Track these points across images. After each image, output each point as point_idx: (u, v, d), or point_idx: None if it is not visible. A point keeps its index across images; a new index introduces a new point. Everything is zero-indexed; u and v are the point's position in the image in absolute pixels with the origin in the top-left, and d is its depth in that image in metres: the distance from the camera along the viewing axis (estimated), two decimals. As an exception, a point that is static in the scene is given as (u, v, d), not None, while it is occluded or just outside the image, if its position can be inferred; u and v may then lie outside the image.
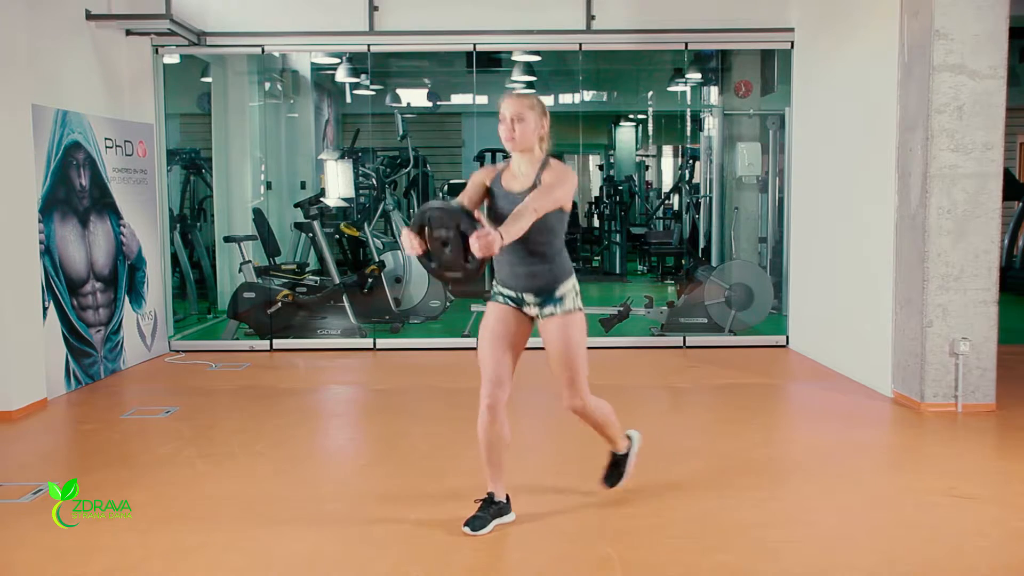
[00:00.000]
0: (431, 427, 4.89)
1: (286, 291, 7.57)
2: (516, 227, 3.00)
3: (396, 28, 7.13)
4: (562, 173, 3.21)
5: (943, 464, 4.23)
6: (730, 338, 7.38)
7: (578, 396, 3.35)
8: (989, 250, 4.99)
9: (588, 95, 11.45)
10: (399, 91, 11.05)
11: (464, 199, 3.26)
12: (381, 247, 8.48)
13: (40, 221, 5.42)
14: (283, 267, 7.99)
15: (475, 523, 3.28)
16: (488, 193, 3.32)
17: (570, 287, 3.30)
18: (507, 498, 3.40)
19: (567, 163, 12.77)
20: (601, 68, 10.74)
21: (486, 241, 2.86)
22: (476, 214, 3.03)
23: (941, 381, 5.04)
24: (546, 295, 3.27)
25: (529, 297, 3.30)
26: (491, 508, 3.33)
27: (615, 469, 3.68)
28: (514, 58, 9.22)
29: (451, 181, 10.96)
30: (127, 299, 6.51)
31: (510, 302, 3.35)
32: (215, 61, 8.84)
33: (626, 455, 3.67)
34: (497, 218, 3.25)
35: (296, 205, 8.79)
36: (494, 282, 3.43)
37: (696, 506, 3.60)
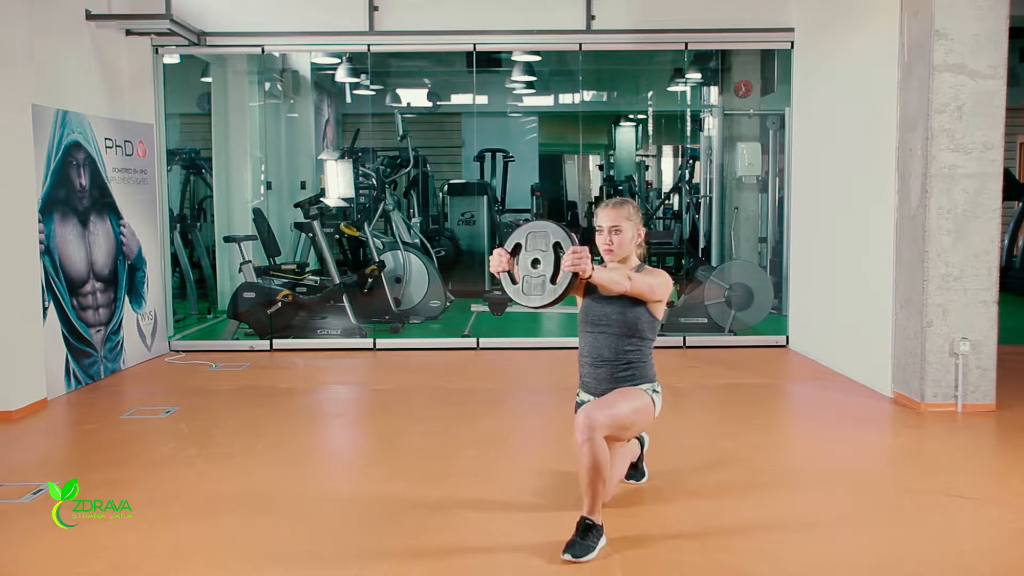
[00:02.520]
0: (431, 427, 4.89)
1: (286, 291, 7.57)
2: (608, 275, 3.05)
3: (396, 28, 7.13)
4: (660, 278, 3.26)
5: (943, 464, 4.23)
6: (730, 338, 7.38)
7: (591, 428, 3.06)
8: (989, 250, 4.99)
9: (588, 95, 11.45)
10: (399, 91, 11.05)
11: None
12: (381, 247, 8.47)
13: (40, 221, 5.42)
14: (283, 267, 7.99)
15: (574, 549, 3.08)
16: (585, 290, 3.32)
17: (647, 387, 3.33)
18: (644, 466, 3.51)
19: (567, 163, 12.74)
20: (601, 68, 10.74)
21: (579, 257, 2.85)
22: (574, 236, 2.98)
23: (941, 381, 5.04)
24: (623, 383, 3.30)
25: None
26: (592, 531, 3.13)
27: (582, 540, 3.10)
28: (514, 58, 9.22)
29: (451, 181, 10.97)
30: (127, 299, 6.51)
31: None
32: (215, 61, 8.84)
33: (597, 527, 3.15)
34: (589, 320, 3.28)
35: (296, 205, 8.79)
36: (577, 393, 3.44)
37: (696, 506, 3.60)
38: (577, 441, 3.11)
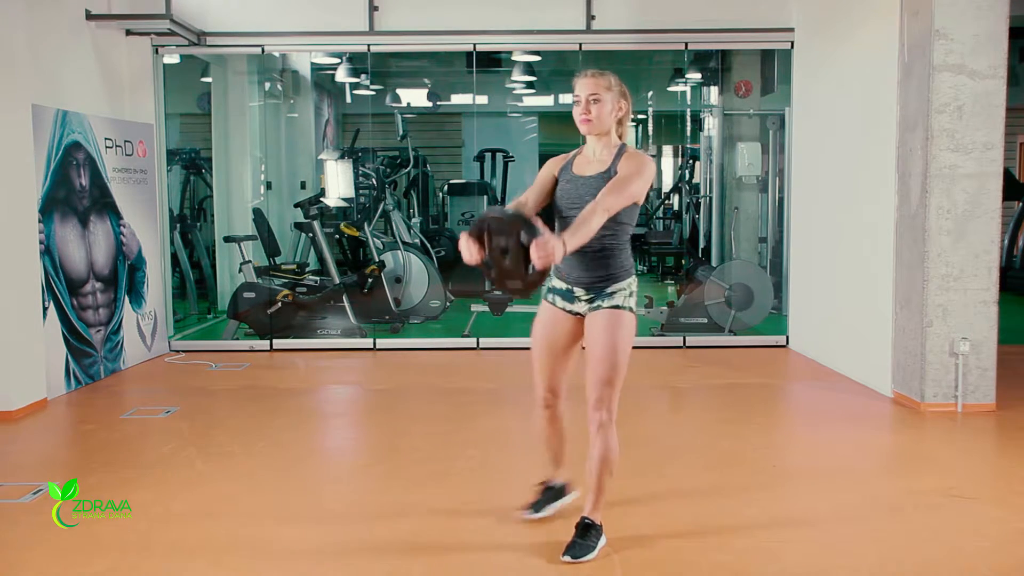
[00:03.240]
0: (431, 427, 4.89)
1: (286, 291, 7.57)
2: (582, 232, 2.79)
3: (396, 28, 7.13)
4: (641, 164, 2.97)
5: (943, 464, 4.23)
6: (730, 338, 7.38)
7: (606, 407, 3.02)
8: (989, 250, 4.99)
9: (588, 95, 11.42)
10: (399, 91, 11.04)
11: (530, 194, 3.10)
12: (381, 247, 8.47)
13: (40, 221, 5.42)
14: (283, 267, 7.99)
15: (536, 506, 3.39)
16: (555, 183, 3.11)
17: (624, 287, 3.05)
18: (566, 483, 3.47)
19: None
20: (601, 68, 10.72)
21: (546, 250, 2.64)
22: (536, 221, 2.79)
23: (941, 381, 5.04)
24: (598, 291, 3.04)
25: (580, 291, 3.07)
26: (548, 492, 3.42)
27: (582, 540, 3.10)
28: (514, 58, 9.22)
29: (451, 181, 10.96)
30: (127, 299, 6.51)
31: (559, 300, 3.14)
32: (215, 61, 8.84)
33: (597, 527, 3.15)
34: (561, 207, 3.05)
35: (296, 205, 8.79)
36: (550, 274, 3.20)
37: (696, 506, 3.60)
38: (590, 431, 3.06)
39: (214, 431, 4.83)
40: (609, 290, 3.05)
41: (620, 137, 3.11)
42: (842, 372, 6.11)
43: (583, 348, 3.17)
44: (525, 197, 3.11)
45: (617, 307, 3.03)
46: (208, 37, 7.11)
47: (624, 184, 2.92)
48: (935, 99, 4.93)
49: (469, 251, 2.83)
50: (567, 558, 3.03)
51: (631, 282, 3.08)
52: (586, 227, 2.81)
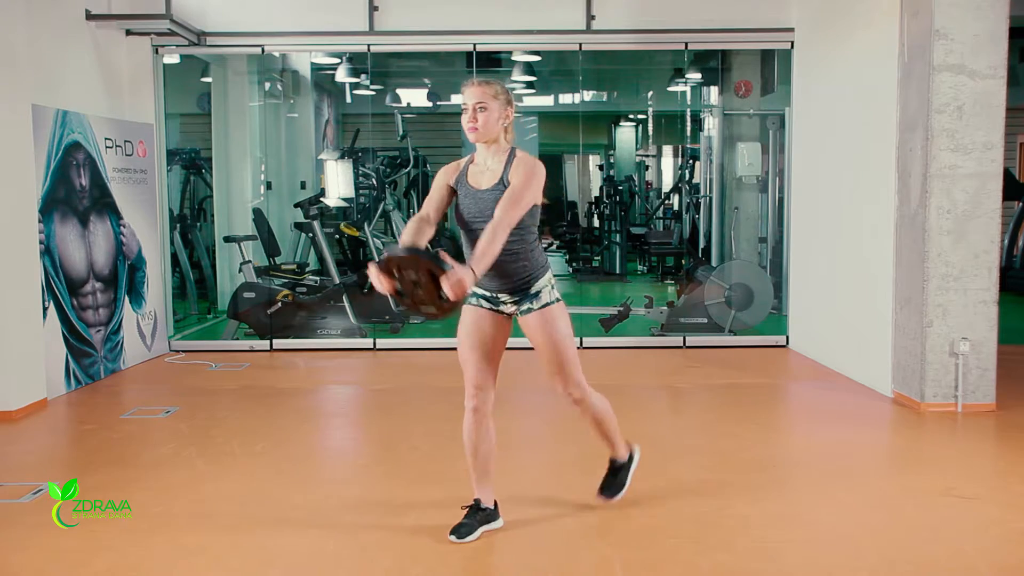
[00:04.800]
0: (431, 427, 4.89)
1: (286, 291, 7.57)
2: (489, 254, 2.90)
3: (396, 28, 7.13)
4: (530, 170, 3.05)
5: (943, 464, 4.23)
6: (730, 338, 7.38)
7: (573, 385, 3.24)
8: (989, 250, 4.99)
9: (588, 95, 11.45)
10: (399, 91, 11.05)
11: (429, 207, 3.16)
12: (381, 247, 8.47)
13: (40, 221, 5.42)
14: (283, 267, 7.99)
15: (461, 530, 3.22)
16: (453, 193, 3.18)
17: (545, 281, 3.17)
18: (495, 504, 3.34)
19: (567, 163, 12.72)
20: (601, 68, 10.74)
21: (457, 283, 2.74)
22: (441, 254, 2.83)
23: (941, 381, 5.04)
24: (522, 293, 3.16)
25: (504, 297, 3.18)
26: (478, 515, 3.27)
27: (613, 479, 3.55)
28: (514, 58, 9.22)
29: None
30: (127, 299, 6.51)
31: (484, 303, 3.24)
32: (215, 61, 8.84)
33: (625, 464, 3.55)
34: (465, 220, 3.12)
35: (296, 205, 8.79)
36: None
37: (696, 506, 3.60)
38: (575, 410, 3.34)
39: (214, 431, 4.83)
40: (532, 290, 3.17)
41: (509, 143, 3.17)
42: (842, 372, 6.11)
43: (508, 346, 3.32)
44: (426, 212, 3.19)
45: (546, 305, 3.17)
46: (208, 37, 7.11)
47: (518, 196, 3.01)
48: (935, 99, 4.93)
49: (380, 283, 2.90)
50: (602, 498, 3.51)
51: (548, 275, 3.21)
52: (491, 249, 2.92)
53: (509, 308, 3.22)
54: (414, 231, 3.07)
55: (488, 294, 3.22)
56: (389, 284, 2.90)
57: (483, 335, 3.22)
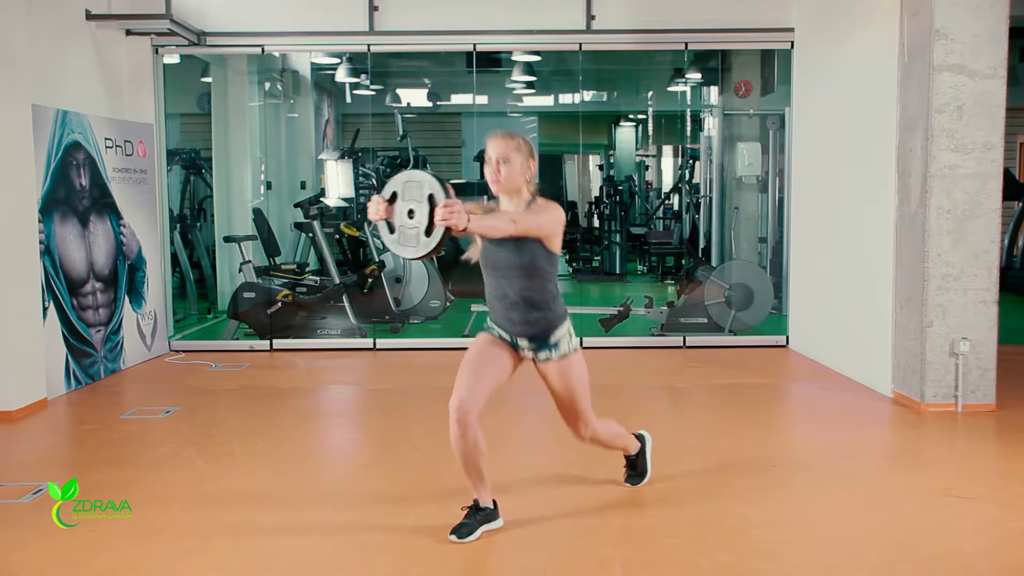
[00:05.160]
0: (431, 427, 4.88)
1: (286, 291, 7.57)
2: (488, 222, 2.96)
3: (396, 28, 7.13)
4: (548, 205, 3.18)
5: (943, 464, 4.23)
6: (730, 338, 7.38)
7: (586, 428, 3.43)
8: (989, 250, 4.99)
9: (588, 95, 11.45)
10: (399, 91, 11.05)
11: None
12: (381, 247, 8.47)
13: (40, 221, 5.42)
14: (283, 267, 7.99)
15: (462, 530, 3.24)
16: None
17: (564, 332, 3.29)
18: (494, 504, 3.35)
19: (567, 163, 12.73)
20: (601, 68, 10.75)
21: (451, 211, 2.77)
22: (450, 188, 2.90)
23: (941, 381, 5.04)
24: (540, 341, 3.28)
25: (524, 342, 3.30)
26: (478, 515, 3.29)
27: (634, 469, 3.79)
28: (514, 58, 9.23)
29: (451, 181, 10.96)
30: (127, 299, 6.51)
31: (503, 333, 3.34)
32: (215, 61, 8.84)
33: (639, 453, 3.77)
34: (488, 265, 3.24)
35: (296, 205, 8.80)
36: (489, 320, 3.41)
37: (696, 506, 3.60)
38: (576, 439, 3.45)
39: (214, 431, 4.83)
40: (552, 340, 3.28)
41: (531, 194, 3.25)
42: (842, 372, 6.11)
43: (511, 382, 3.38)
44: None
45: (564, 355, 3.30)
46: (208, 37, 7.12)
47: (534, 213, 3.13)
48: (935, 99, 4.93)
49: (376, 208, 2.95)
50: (628, 484, 3.76)
51: (567, 325, 3.31)
52: (491, 222, 2.98)
53: (527, 354, 3.33)
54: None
55: (508, 337, 3.32)
56: (385, 211, 2.95)
57: (491, 360, 3.28)
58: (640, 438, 3.80)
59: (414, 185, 2.91)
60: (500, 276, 3.22)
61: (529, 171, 3.21)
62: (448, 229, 2.84)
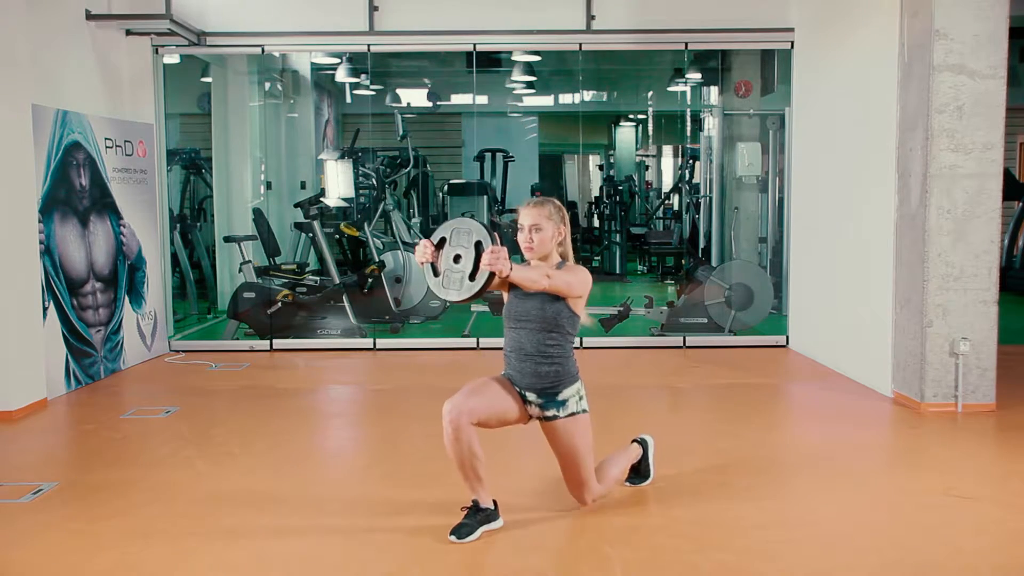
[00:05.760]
0: (431, 427, 4.87)
1: (286, 291, 7.57)
2: (526, 273, 3.11)
3: (396, 28, 7.13)
4: (578, 268, 3.34)
5: (943, 464, 4.23)
6: (730, 338, 7.38)
7: (590, 495, 3.46)
8: (989, 250, 4.99)
9: (588, 95, 11.46)
10: (399, 91, 11.05)
11: None
12: (381, 247, 8.48)
13: (40, 221, 5.42)
14: (283, 267, 7.99)
15: (462, 531, 3.25)
16: (509, 287, 3.37)
17: (574, 392, 3.35)
18: (494, 504, 3.36)
19: (567, 163, 12.74)
20: (601, 68, 10.75)
21: (496, 257, 2.94)
22: (497, 236, 3.08)
23: (941, 381, 5.04)
24: (548, 397, 3.32)
25: (531, 396, 3.34)
26: (478, 515, 3.30)
27: (637, 472, 3.82)
28: (514, 58, 9.23)
29: (451, 181, 10.98)
30: (127, 299, 6.51)
31: (516, 388, 3.38)
32: (215, 61, 8.84)
33: (641, 459, 3.80)
34: (512, 316, 3.34)
35: (296, 205, 8.80)
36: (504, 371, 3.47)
37: (696, 506, 3.60)
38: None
39: (214, 431, 4.83)
40: (560, 397, 3.33)
41: (562, 256, 3.41)
42: (842, 372, 6.11)
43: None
44: None
45: (571, 414, 3.34)
46: (208, 37, 7.12)
47: (565, 273, 3.27)
48: (935, 99, 4.93)
49: (424, 251, 3.12)
50: (628, 484, 3.77)
51: (579, 387, 3.38)
52: (528, 272, 3.15)
53: (534, 410, 3.37)
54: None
55: (518, 389, 3.36)
56: (432, 255, 3.12)
57: (498, 389, 3.34)
58: (642, 443, 3.82)
59: (463, 232, 3.08)
60: (521, 328, 3.32)
61: (560, 235, 3.36)
62: (492, 275, 3.00)
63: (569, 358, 3.36)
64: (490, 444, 4.50)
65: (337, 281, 7.80)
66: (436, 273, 3.12)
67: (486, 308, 7.61)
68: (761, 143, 8.63)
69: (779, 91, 8.08)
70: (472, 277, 3.04)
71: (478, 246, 3.03)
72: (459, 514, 3.32)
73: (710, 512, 3.53)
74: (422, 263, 3.14)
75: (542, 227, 3.31)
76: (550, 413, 3.33)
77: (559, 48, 7.81)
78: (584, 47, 7.28)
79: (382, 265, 8.08)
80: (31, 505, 3.67)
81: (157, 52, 7.13)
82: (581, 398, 3.38)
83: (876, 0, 5.56)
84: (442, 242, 3.13)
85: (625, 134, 13.69)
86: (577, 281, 3.29)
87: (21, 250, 5.20)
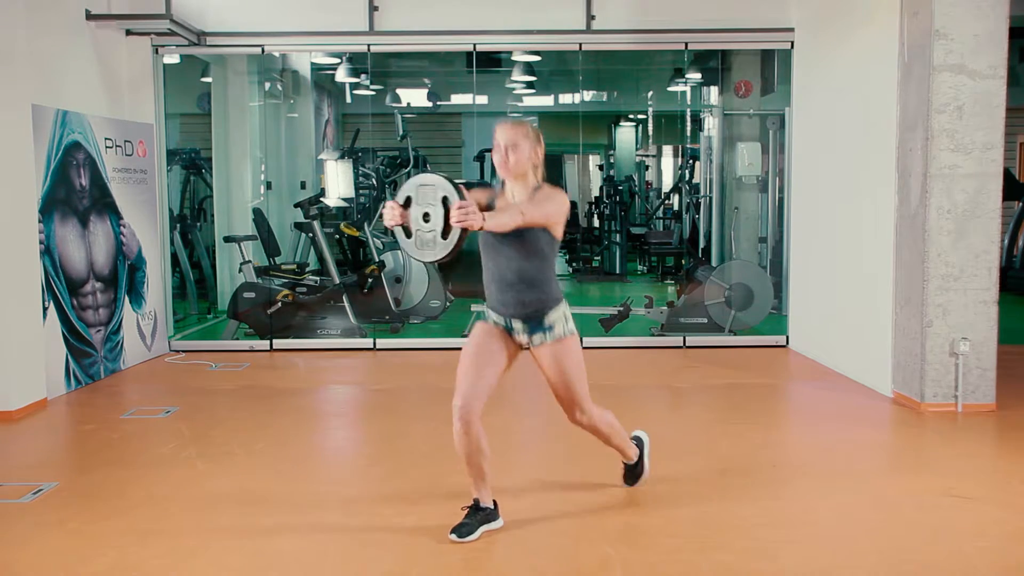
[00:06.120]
0: (431, 427, 4.89)
1: (286, 291, 7.57)
2: (500, 219, 2.99)
3: (396, 28, 7.13)
4: (553, 191, 3.22)
5: (943, 464, 4.23)
6: (730, 338, 7.38)
7: (582, 413, 3.39)
8: (989, 250, 4.99)
9: (588, 95, 11.46)
10: (399, 91, 11.05)
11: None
12: (381, 247, 8.48)
13: (40, 221, 5.42)
14: (283, 267, 7.99)
15: (462, 530, 3.25)
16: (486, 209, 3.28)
17: (560, 314, 3.27)
18: (494, 504, 3.36)
19: (567, 163, 12.74)
20: (601, 68, 10.75)
21: (465, 212, 2.82)
22: (463, 189, 2.96)
23: (941, 381, 5.04)
24: (534, 323, 3.25)
25: (518, 324, 3.28)
26: (478, 515, 3.30)
27: (633, 471, 3.75)
28: (514, 58, 9.23)
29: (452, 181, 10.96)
30: (127, 299, 6.51)
31: (500, 321, 3.33)
32: (215, 61, 8.84)
33: (638, 460, 3.73)
34: (489, 243, 3.24)
35: (296, 205, 8.80)
36: (484, 306, 3.42)
37: (696, 506, 3.60)
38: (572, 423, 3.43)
39: (214, 431, 4.83)
40: (547, 322, 3.26)
41: (538, 179, 3.29)
42: (842, 372, 6.11)
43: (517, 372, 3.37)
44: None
45: (559, 338, 3.27)
46: (208, 37, 7.12)
47: (540, 203, 3.15)
48: (935, 99, 4.93)
49: (391, 214, 3.01)
50: (626, 485, 3.72)
51: (563, 308, 3.30)
52: (503, 217, 3.01)
53: (522, 338, 3.30)
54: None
55: (502, 320, 3.32)
56: (401, 216, 3.01)
57: (491, 347, 3.27)
58: (638, 441, 3.76)
59: (427, 189, 2.95)
60: (499, 256, 3.22)
61: (536, 157, 3.25)
62: (464, 230, 2.89)
63: (551, 282, 3.26)
64: (491, 443, 4.50)
65: (337, 281, 7.80)
66: (408, 234, 3.00)
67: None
68: (761, 143, 8.63)
69: (779, 91, 8.08)
70: (444, 235, 2.92)
71: (445, 201, 2.90)
72: (459, 514, 3.32)
73: (710, 512, 3.53)
74: (391, 226, 3.02)
75: (519, 145, 3.19)
76: (538, 339, 3.26)
77: (559, 48, 7.81)
78: (584, 47, 7.28)
79: (382, 265, 8.08)
80: (31, 505, 3.67)
81: (157, 52, 7.13)
82: (568, 320, 3.29)
83: (876, 0, 5.56)
84: (408, 201, 2.99)
85: (625, 134, 13.69)
86: (554, 210, 3.17)
87: (21, 250, 5.20)
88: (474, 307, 7.61)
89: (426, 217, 2.95)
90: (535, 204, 3.13)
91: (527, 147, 3.21)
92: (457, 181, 2.96)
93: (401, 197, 3.01)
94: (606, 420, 3.48)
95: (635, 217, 12.79)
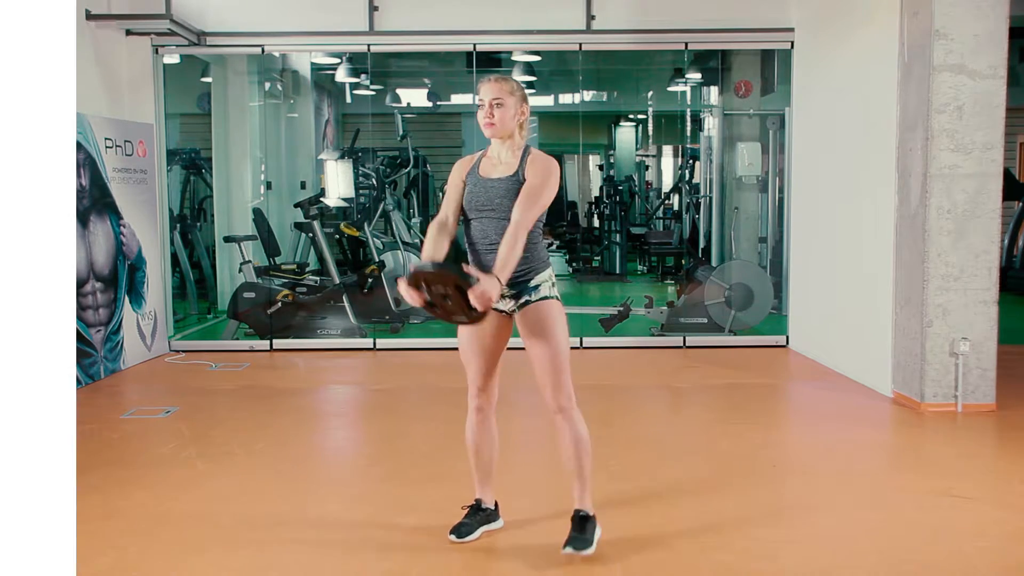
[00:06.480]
0: (431, 427, 4.89)
1: (286, 291, 7.57)
2: (512, 260, 2.92)
3: (396, 28, 7.13)
4: (546, 169, 3.09)
5: (943, 464, 4.23)
6: (730, 338, 7.38)
7: (562, 394, 3.08)
8: (989, 250, 4.99)
9: (588, 95, 11.46)
10: (399, 91, 11.05)
11: (448, 210, 3.17)
12: (381, 247, 8.48)
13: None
14: (283, 267, 7.99)
15: (461, 530, 3.24)
16: (467, 177, 3.17)
17: (546, 277, 3.12)
18: (495, 505, 3.35)
19: (567, 163, 12.75)
20: (601, 68, 10.75)
21: (483, 295, 2.78)
22: (466, 267, 2.88)
23: (941, 381, 5.04)
24: (521, 286, 3.08)
25: (504, 290, 3.08)
26: (478, 515, 3.29)
27: (581, 531, 3.12)
28: (514, 58, 9.23)
29: None
30: (127, 299, 6.51)
31: None
32: (215, 61, 8.84)
33: (592, 517, 3.17)
34: (471, 207, 3.11)
35: (296, 205, 8.80)
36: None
37: (696, 506, 3.60)
38: (554, 420, 3.14)
39: (214, 431, 4.83)
40: (533, 283, 3.10)
41: (522, 138, 3.18)
42: (842, 372, 6.11)
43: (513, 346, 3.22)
44: (444, 215, 3.17)
45: (544, 298, 3.10)
46: (208, 37, 7.12)
47: (536, 194, 3.04)
48: (935, 99, 4.93)
49: (410, 297, 2.93)
50: (568, 550, 3.04)
51: (549, 272, 3.15)
52: (514, 253, 2.94)
53: (508, 304, 3.14)
54: (434, 241, 3.09)
55: None
56: (420, 298, 2.93)
57: (483, 335, 3.20)
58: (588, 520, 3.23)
59: (433, 276, 2.89)
60: (485, 217, 3.08)
61: (522, 115, 3.13)
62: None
63: (538, 244, 3.12)
64: (490, 444, 4.50)
65: (337, 281, 7.80)
66: (433, 308, 2.95)
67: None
68: (761, 143, 8.63)
69: (779, 91, 8.08)
70: (469, 308, 2.87)
71: (456, 284, 2.84)
72: (459, 514, 3.32)
73: (710, 512, 3.53)
74: (415, 306, 2.98)
75: (504, 102, 3.05)
76: (523, 299, 3.08)
77: (559, 48, 7.81)
78: (584, 47, 7.28)
79: (382, 265, 8.08)
80: (31, 505, 3.67)
81: (157, 52, 7.13)
82: (553, 285, 3.14)
83: (876, 0, 5.56)
84: (419, 284, 2.92)
85: (625, 134, 13.69)
86: (550, 194, 3.06)
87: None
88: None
89: (445, 296, 2.90)
90: (531, 202, 3.01)
91: (513, 104, 3.08)
92: (456, 270, 2.86)
93: (411, 283, 2.92)
94: (583, 428, 3.15)
95: (635, 217, 12.79)
